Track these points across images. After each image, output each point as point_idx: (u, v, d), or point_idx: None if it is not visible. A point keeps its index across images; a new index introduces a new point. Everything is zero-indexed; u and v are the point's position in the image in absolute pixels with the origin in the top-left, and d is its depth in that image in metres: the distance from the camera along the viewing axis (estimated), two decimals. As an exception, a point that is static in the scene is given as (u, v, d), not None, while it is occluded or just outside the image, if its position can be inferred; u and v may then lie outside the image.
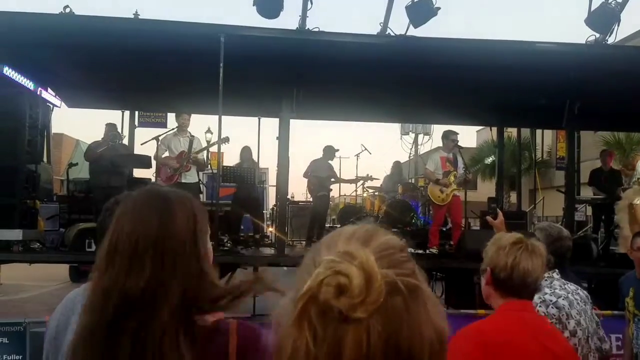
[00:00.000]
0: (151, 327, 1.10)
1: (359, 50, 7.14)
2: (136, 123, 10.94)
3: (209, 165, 9.27)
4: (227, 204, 9.07)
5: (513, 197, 18.70)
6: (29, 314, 7.53)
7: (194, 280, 1.16)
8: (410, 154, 22.12)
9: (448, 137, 8.50)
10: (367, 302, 0.64)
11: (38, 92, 8.71)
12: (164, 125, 10.93)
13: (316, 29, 6.96)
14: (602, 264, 7.67)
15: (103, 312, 1.12)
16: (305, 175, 9.83)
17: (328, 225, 12.19)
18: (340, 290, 0.64)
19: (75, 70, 8.16)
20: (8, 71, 7.64)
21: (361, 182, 11.20)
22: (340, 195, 14.31)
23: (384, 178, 11.59)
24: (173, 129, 8.45)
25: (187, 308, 1.14)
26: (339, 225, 11.96)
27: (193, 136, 8.18)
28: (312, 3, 6.91)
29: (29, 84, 8.29)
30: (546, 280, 2.50)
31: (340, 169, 17.79)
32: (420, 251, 7.84)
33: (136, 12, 7.19)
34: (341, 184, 11.18)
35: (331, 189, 10.21)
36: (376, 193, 11.27)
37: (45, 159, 9.21)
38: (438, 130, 19.05)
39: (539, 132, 13.32)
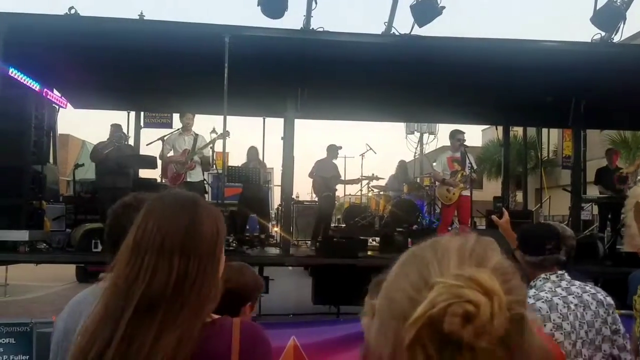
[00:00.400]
0: (173, 324, 1.11)
1: (364, 50, 7.14)
2: (142, 124, 11.01)
3: (214, 166, 9.30)
4: (233, 204, 9.08)
5: (519, 196, 18.65)
6: (36, 314, 7.58)
7: (213, 281, 1.20)
8: (415, 153, 21.97)
9: (454, 136, 8.51)
10: (491, 331, 0.62)
11: (44, 93, 8.75)
12: (169, 125, 10.96)
13: (320, 29, 6.95)
14: (609, 263, 7.61)
15: (124, 304, 1.12)
16: (310, 175, 9.84)
17: (333, 225, 12.19)
18: (466, 319, 0.62)
19: (80, 71, 8.17)
20: (14, 72, 7.66)
21: (366, 181, 11.19)
22: (345, 195, 14.28)
23: (389, 177, 11.57)
24: (178, 129, 8.57)
25: (203, 307, 1.17)
26: (343, 225, 11.99)
27: (197, 134, 8.30)
28: (316, 3, 6.90)
29: (34, 85, 8.33)
30: (541, 280, 2.47)
31: (345, 169, 17.77)
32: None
33: (141, 13, 7.19)
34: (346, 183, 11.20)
35: (336, 189, 10.22)
36: (381, 192, 11.25)
37: (51, 160, 9.23)
38: (443, 129, 19.05)
39: (545, 131, 13.29)
